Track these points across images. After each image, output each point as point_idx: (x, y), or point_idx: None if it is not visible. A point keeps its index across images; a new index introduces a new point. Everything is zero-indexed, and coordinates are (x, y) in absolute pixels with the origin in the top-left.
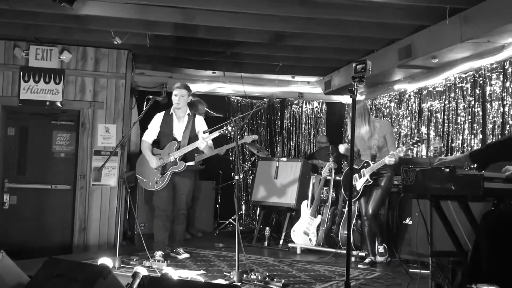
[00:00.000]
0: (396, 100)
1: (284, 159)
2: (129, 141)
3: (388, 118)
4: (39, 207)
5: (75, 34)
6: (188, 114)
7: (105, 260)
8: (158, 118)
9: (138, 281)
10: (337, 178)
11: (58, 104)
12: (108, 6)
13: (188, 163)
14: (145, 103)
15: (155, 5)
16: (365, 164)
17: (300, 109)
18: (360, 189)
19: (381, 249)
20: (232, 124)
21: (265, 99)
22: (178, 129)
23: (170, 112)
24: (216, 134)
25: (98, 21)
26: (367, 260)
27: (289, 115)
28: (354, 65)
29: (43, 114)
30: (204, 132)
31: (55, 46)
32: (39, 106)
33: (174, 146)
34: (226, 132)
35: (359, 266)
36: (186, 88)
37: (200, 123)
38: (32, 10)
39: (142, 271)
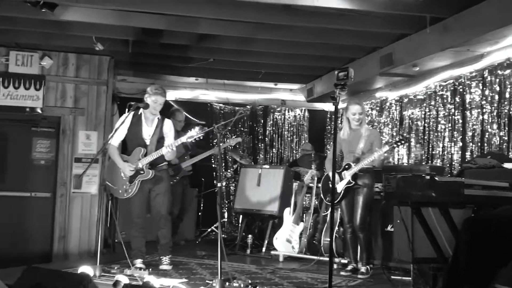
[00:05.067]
0: (378, 108)
1: (267, 166)
2: None
3: (370, 126)
4: (18, 215)
5: (56, 40)
6: (158, 118)
7: (86, 269)
8: (127, 120)
9: None
10: (319, 185)
11: (38, 110)
12: (90, 12)
13: (157, 166)
14: (126, 109)
15: (138, 11)
16: (346, 166)
17: (283, 116)
18: (341, 191)
19: (363, 269)
20: (200, 130)
21: (248, 106)
22: (147, 133)
23: (139, 114)
24: (183, 139)
25: (80, 27)
26: (349, 267)
27: (271, 122)
28: (336, 72)
29: (23, 121)
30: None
31: (35, 52)
32: (19, 113)
33: (141, 153)
34: (192, 140)
35: (341, 273)
36: (165, 96)
37: (169, 127)
38: (12, 15)
39: (124, 279)
